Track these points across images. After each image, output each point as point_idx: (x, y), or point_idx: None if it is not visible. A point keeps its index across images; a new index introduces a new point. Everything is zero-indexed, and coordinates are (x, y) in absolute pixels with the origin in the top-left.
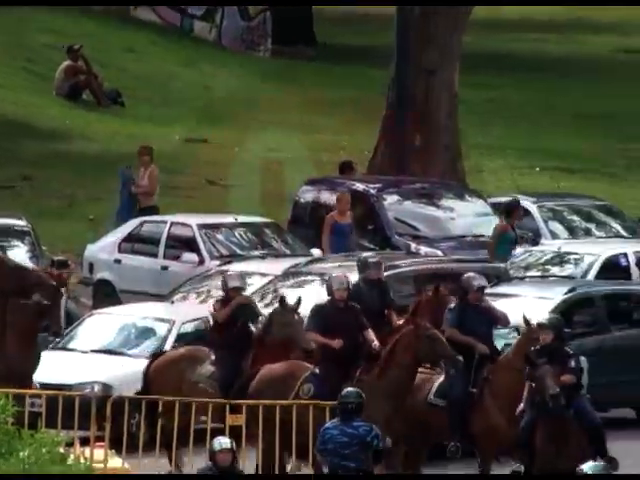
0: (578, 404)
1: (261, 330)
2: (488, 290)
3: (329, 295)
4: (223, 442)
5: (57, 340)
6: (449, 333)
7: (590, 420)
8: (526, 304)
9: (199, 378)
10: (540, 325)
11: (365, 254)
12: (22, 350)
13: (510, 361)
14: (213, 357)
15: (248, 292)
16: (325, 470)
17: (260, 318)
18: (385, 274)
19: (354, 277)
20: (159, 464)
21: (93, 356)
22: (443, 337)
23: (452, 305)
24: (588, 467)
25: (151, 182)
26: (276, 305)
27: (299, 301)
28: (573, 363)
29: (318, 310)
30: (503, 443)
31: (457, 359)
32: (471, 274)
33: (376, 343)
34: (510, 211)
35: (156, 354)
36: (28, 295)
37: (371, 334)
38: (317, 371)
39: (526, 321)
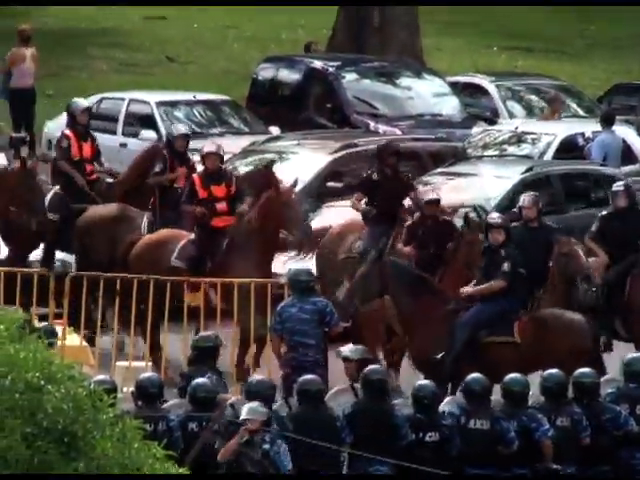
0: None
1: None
2: (445, 169)
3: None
4: None
5: None
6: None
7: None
8: (483, 183)
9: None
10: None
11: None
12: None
13: None
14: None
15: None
16: (282, 350)
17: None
18: (343, 153)
19: (315, 155)
20: (118, 342)
21: None
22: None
23: (602, 213)
24: None
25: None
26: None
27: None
28: (506, 267)
29: (410, 224)
30: None
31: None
32: (618, 184)
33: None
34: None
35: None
36: None
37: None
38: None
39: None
